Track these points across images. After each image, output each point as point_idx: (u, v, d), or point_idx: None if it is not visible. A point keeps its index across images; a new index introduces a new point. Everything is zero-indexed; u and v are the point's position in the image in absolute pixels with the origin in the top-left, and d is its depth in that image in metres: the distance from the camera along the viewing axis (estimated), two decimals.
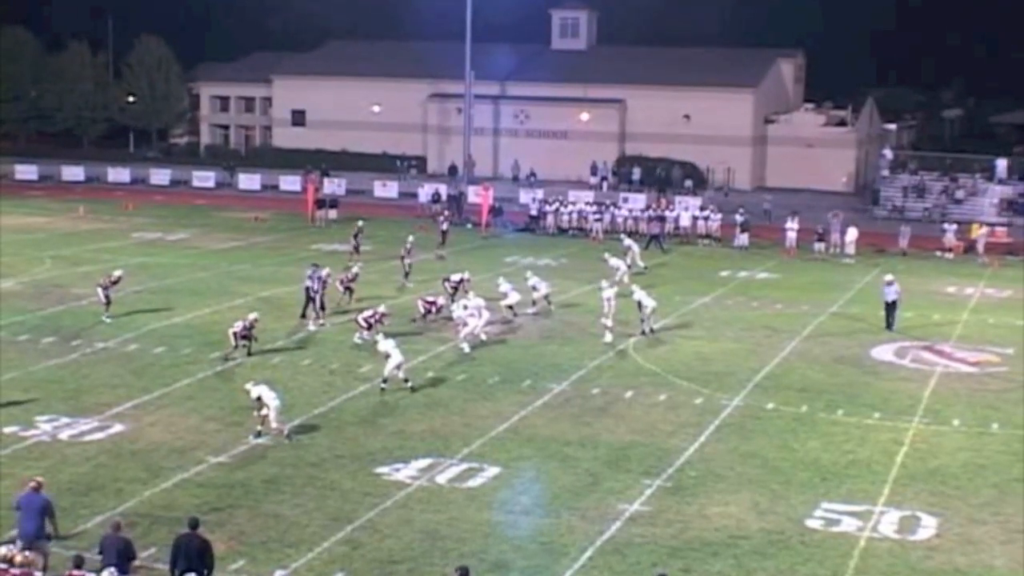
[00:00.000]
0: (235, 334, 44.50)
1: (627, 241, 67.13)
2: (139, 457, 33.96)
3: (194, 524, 24.41)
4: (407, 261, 60.32)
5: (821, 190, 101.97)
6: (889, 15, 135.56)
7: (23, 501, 25.83)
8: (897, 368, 46.39)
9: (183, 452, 34.39)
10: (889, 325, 52.29)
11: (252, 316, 45.60)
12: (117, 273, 51.98)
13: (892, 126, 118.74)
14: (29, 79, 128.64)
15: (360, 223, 69.22)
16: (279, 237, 75.08)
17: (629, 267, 61.55)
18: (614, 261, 59.93)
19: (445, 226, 73.99)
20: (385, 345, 40.98)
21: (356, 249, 64.89)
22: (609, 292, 50.88)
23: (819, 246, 74.39)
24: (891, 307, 52.50)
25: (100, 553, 24.61)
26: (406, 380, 40.98)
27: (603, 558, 27.78)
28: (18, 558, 22.93)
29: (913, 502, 31.71)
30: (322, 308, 51.61)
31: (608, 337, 48.49)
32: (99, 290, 50.04)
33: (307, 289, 51.89)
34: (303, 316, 51.75)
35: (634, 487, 32.32)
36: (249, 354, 44.84)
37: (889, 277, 53.73)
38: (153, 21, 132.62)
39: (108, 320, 49.42)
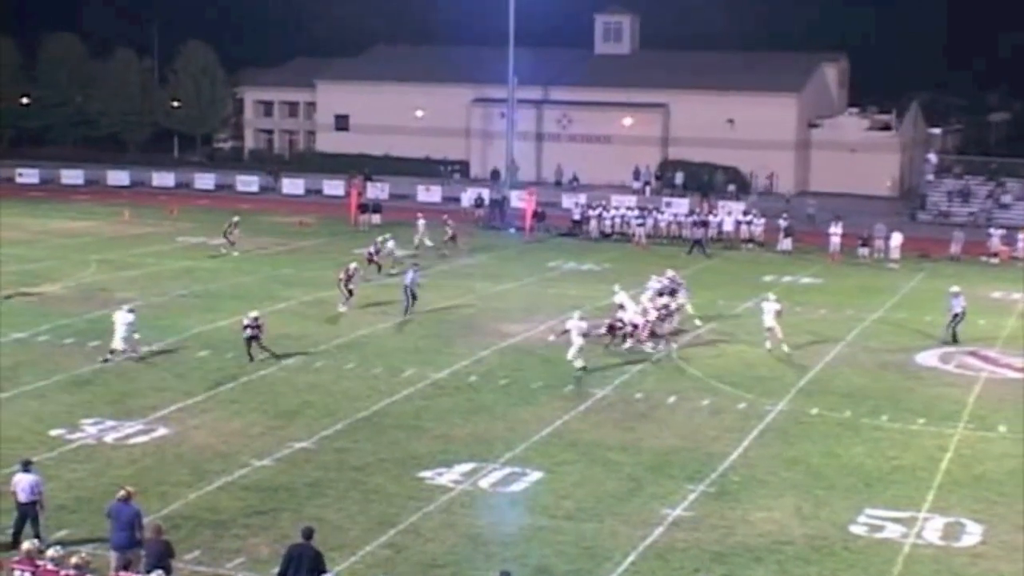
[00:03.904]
0: (246, 339, 44.83)
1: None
2: (183, 460, 34.10)
3: (308, 534, 24.41)
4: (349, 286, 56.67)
5: (865, 195, 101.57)
6: (934, 19, 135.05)
7: (113, 511, 25.96)
8: (942, 373, 46.18)
9: (227, 455, 34.51)
10: (954, 338, 50.95)
11: (253, 314, 45.82)
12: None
13: (937, 130, 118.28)
14: (76, 85, 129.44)
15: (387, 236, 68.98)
16: (323, 241, 75.23)
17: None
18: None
19: (451, 232, 73.72)
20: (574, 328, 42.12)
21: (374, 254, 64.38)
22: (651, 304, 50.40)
23: (863, 251, 74.13)
24: (957, 319, 51.28)
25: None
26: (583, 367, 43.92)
27: (646, 563, 27.74)
28: (73, 559, 23.05)
29: (958, 509, 31.53)
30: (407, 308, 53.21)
31: (648, 347, 48.27)
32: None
33: (406, 288, 53.19)
34: (406, 311, 52.94)
35: (677, 492, 32.26)
36: (251, 354, 44.80)
37: (955, 288, 52.67)
38: (198, 27, 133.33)
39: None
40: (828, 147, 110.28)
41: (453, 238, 73.62)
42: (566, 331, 44.66)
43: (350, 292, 54.91)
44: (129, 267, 64.22)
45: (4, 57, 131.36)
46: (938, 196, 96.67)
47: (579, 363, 43.70)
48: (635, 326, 48.53)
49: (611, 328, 48.41)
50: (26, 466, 28.11)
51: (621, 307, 49.92)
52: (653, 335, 48.39)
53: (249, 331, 44.99)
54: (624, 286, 57.40)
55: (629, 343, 48.18)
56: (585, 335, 43.84)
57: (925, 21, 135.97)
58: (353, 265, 57.07)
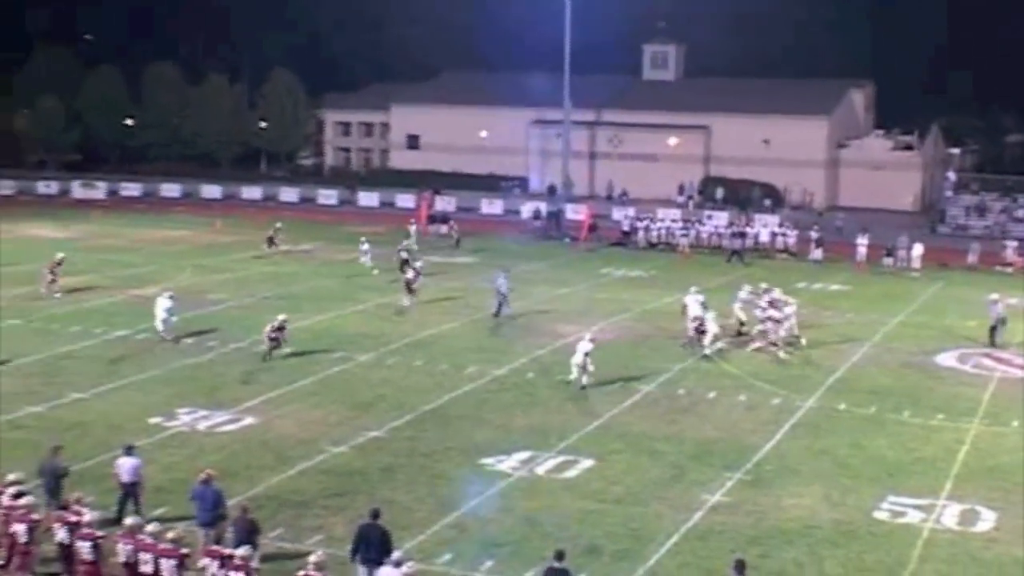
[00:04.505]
0: (268, 336, 44.78)
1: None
2: (268, 447, 34.27)
3: (375, 515, 24.52)
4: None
5: (889, 209, 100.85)
6: (953, 48, 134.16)
7: (197, 493, 26.17)
8: (959, 373, 45.84)
9: (307, 442, 34.65)
10: (994, 342, 50.27)
11: (281, 317, 45.77)
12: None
13: (956, 150, 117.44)
14: (174, 108, 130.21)
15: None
16: (395, 250, 75.43)
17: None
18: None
19: (455, 236, 77.95)
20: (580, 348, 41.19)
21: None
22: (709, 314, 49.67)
23: (888, 260, 73.67)
24: (999, 324, 50.62)
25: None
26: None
27: (687, 544, 27.70)
28: (168, 534, 23.22)
29: (973, 497, 31.34)
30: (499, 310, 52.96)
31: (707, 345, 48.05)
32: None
33: (498, 290, 52.90)
34: (496, 314, 52.77)
35: (716, 479, 32.19)
36: (270, 353, 44.56)
37: (994, 296, 52.03)
38: (284, 56, 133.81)
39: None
40: (855, 165, 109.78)
41: (457, 242, 77.08)
42: (576, 351, 42.01)
43: (412, 291, 55.51)
44: (220, 271, 64.55)
45: (112, 84, 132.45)
46: (956, 210, 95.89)
47: (582, 378, 41.24)
48: (701, 329, 47.95)
49: (698, 331, 48.03)
50: (128, 450, 28.38)
51: (704, 307, 49.08)
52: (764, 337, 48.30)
53: (271, 336, 44.77)
54: (673, 291, 57.53)
55: (756, 344, 48.13)
56: (587, 354, 41.40)
57: (942, 51, 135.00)
58: (419, 264, 58.77)
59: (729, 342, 48.80)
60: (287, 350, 44.98)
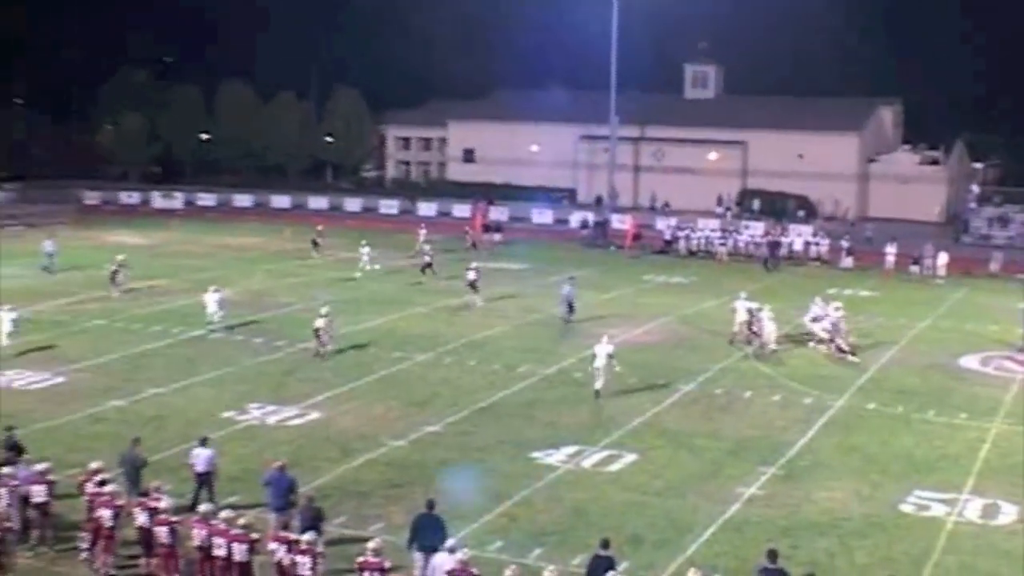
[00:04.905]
0: (315, 330, 45.13)
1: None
2: (332, 440, 34.39)
3: (431, 505, 24.64)
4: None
5: (916, 220, 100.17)
6: (978, 69, 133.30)
7: (271, 479, 26.34)
8: (982, 375, 45.51)
9: (369, 436, 34.75)
10: None
11: (324, 309, 46.39)
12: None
13: (979, 165, 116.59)
14: (246, 123, 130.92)
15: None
16: (452, 256, 75.46)
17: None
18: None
19: (470, 241, 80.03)
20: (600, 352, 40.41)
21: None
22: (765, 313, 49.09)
23: (914, 268, 73.19)
24: None
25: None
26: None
27: (724, 534, 27.63)
28: (240, 520, 23.36)
29: (995, 492, 31.11)
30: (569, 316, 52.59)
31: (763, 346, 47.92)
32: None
33: (565, 298, 52.72)
34: (566, 321, 52.28)
35: (751, 474, 32.09)
36: (322, 348, 45.08)
37: None
38: (349, 74, 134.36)
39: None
40: (884, 179, 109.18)
41: (473, 245, 78.85)
42: (594, 356, 40.54)
43: (476, 289, 56.59)
44: (288, 276, 64.83)
45: (189, 102, 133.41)
46: (980, 221, 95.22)
47: (598, 384, 39.92)
48: (753, 331, 48.38)
49: (751, 331, 48.47)
50: (203, 442, 28.59)
51: (757, 310, 49.07)
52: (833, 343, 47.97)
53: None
54: (711, 296, 57.41)
55: (824, 348, 47.85)
56: (611, 356, 40.46)
57: (968, 72, 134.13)
58: (475, 264, 59.37)
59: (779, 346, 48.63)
60: (330, 347, 45.34)
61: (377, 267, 66.71)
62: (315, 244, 72.68)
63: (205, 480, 27.94)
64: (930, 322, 56.51)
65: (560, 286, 54.70)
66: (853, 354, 47.02)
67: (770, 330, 47.85)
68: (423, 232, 76.42)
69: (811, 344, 48.74)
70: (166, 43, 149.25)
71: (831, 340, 47.84)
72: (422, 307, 56.23)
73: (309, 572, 22.16)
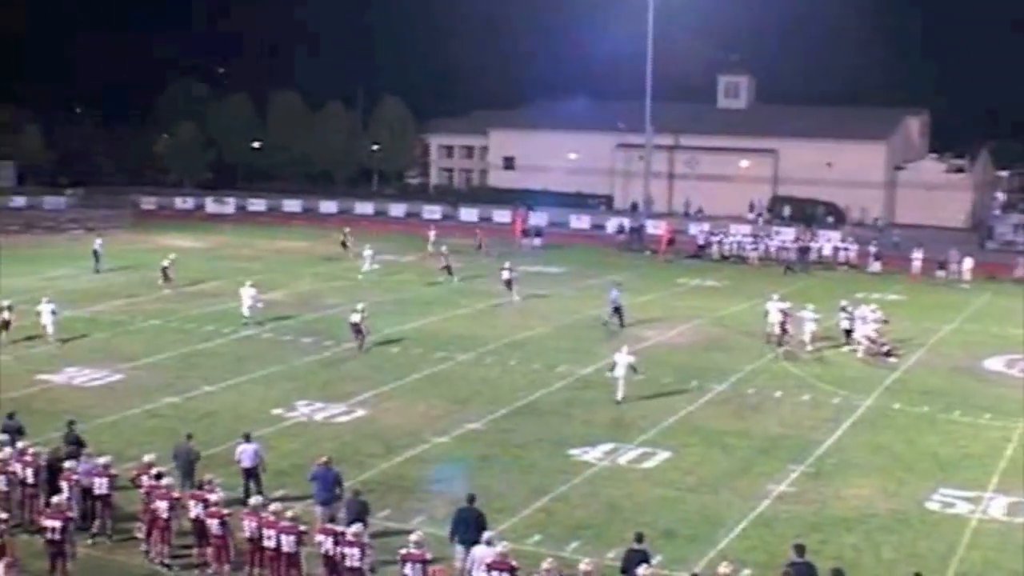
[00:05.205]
0: (352, 324, 46.17)
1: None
2: (377, 436, 34.47)
3: (471, 499, 24.68)
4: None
5: (942, 226, 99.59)
6: (1001, 79, 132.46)
7: (318, 474, 26.44)
8: (1006, 377, 45.16)
9: (412, 433, 34.82)
10: None
11: (360, 305, 47.33)
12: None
13: (1004, 173, 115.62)
14: (295, 132, 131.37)
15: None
16: (492, 260, 75.49)
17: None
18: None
19: (479, 241, 79.62)
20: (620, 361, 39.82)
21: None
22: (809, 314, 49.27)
23: (940, 273, 72.79)
24: None
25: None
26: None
27: (755, 530, 27.56)
28: (288, 513, 23.46)
29: (1019, 490, 30.89)
30: (620, 321, 52.12)
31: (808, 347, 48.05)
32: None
33: (612, 302, 52.49)
34: (621, 325, 51.95)
35: (781, 471, 31.99)
36: (362, 342, 46.08)
37: None
38: (394, 84, 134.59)
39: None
40: (911, 186, 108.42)
41: (480, 246, 78.64)
42: (614, 365, 39.52)
43: (511, 286, 58.01)
44: (336, 279, 64.97)
45: (240, 110, 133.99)
46: (1004, 228, 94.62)
47: (618, 392, 39.02)
48: (786, 331, 48.40)
49: (784, 330, 48.48)
50: (247, 437, 28.73)
51: (783, 313, 49.00)
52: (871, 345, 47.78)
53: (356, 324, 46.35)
54: (743, 299, 57.26)
55: (864, 350, 47.49)
56: (633, 368, 39.36)
57: (992, 81, 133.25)
58: (508, 264, 60.49)
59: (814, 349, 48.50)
60: (369, 339, 46.25)
61: (376, 267, 66.99)
62: (344, 245, 72.72)
63: (252, 474, 28.08)
64: (955, 325, 56.14)
65: (608, 290, 54.49)
66: (893, 355, 47.01)
67: (810, 329, 48.23)
68: (433, 234, 77.95)
69: (850, 348, 48.32)
70: (220, 55, 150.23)
71: (873, 341, 47.63)
72: (464, 309, 56.30)
73: (358, 563, 22.25)
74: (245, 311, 50.87)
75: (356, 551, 22.25)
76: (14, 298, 49.26)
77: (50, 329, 46.21)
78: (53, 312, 46.60)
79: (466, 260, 71.07)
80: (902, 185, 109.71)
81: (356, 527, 22.92)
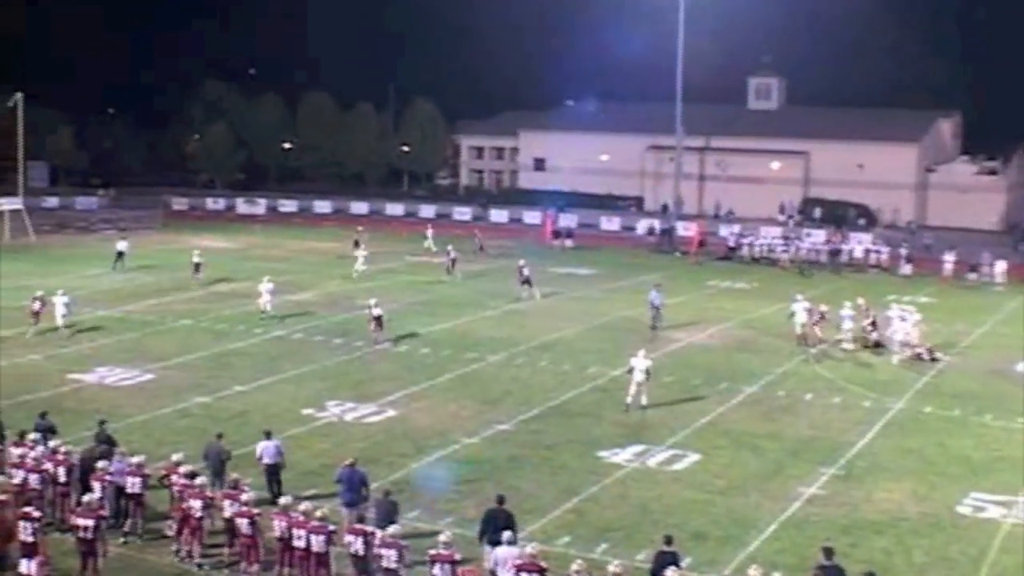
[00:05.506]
0: (375, 318, 47.34)
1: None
2: (407, 437, 34.51)
3: (500, 500, 24.67)
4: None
5: (974, 228, 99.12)
6: None
7: (343, 476, 26.46)
8: None
9: (442, 434, 34.85)
10: None
11: (373, 300, 48.77)
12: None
13: None
14: (326, 133, 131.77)
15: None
16: (490, 259, 75.42)
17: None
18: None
19: (479, 243, 79.73)
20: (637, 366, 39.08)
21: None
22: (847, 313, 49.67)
23: (972, 275, 72.49)
24: None
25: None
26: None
27: (785, 532, 27.46)
28: (317, 513, 23.49)
29: None
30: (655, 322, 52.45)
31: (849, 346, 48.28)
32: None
33: (652, 304, 52.44)
34: (653, 327, 52.00)
35: (812, 474, 31.87)
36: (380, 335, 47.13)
37: None
38: (424, 86, 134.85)
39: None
40: (943, 188, 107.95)
41: (481, 247, 78.81)
42: (631, 369, 38.44)
43: (531, 284, 59.29)
44: (366, 280, 65.04)
45: (272, 111, 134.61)
46: None
47: (641, 398, 37.93)
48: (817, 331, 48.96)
49: (817, 324, 48.98)
50: (268, 435, 28.80)
51: (809, 313, 49.40)
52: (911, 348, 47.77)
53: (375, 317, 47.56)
54: (773, 301, 57.06)
55: (905, 355, 47.36)
56: (648, 372, 38.39)
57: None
58: (523, 262, 61.28)
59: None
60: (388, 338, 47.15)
61: (364, 268, 66.91)
62: (356, 244, 72.72)
63: (273, 471, 28.18)
64: (988, 328, 55.82)
65: (648, 292, 54.34)
66: (935, 356, 47.04)
67: (848, 328, 48.70)
68: (430, 233, 79.33)
69: (893, 353, 48.08)
70: (251, 56, 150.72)
71: (916, 345, 47.44)
72: (493, 310, 56.30)
73: (395, 564, 22.26)
74: (263, 306, 51.99)
75: (393, 552, 22.27)
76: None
77: (60, 320, 47.78)
78: (66, 304, 48.22)
79: (466, 260, 70.95)
80: (934, 187, 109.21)
81: (394, 528, 22.96)
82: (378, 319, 47.24)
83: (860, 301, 52.15)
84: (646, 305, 53.62)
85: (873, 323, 49.37)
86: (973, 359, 48.21)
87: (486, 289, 62.79)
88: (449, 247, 69.24)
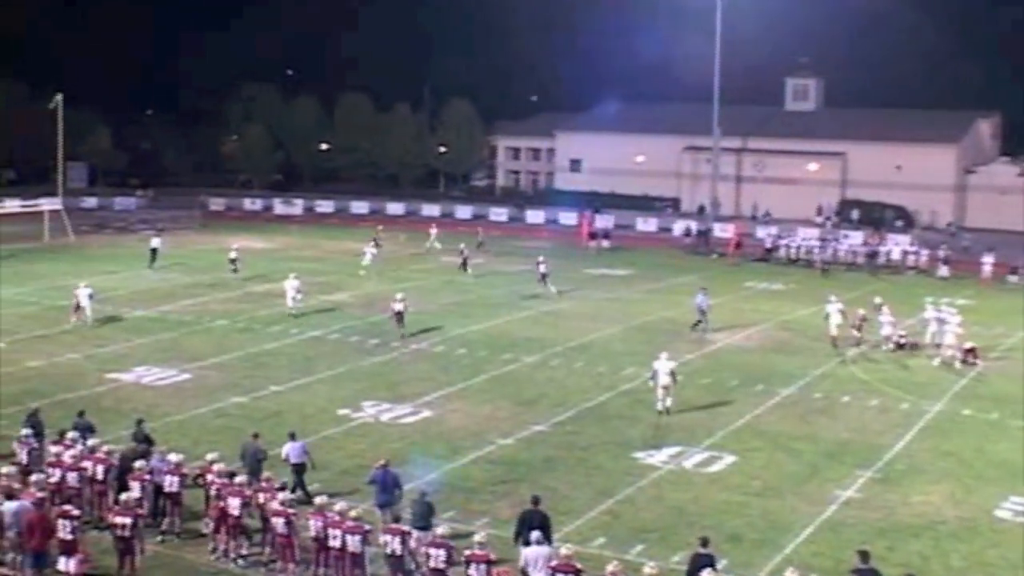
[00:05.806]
0: (396, 313, 48.49)
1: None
2: (442, 437, 34.59)
3: (536, 501, 24.73)
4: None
5: (1014, 230, 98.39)
6: None
7: (377, 477, 26.51)
8: None
9: (478, 435, 34.91)
10: None
11: (399, 295, 49.73)
12: None
13: None
14: (363, 134, 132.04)
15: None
16: (559, 263, 75.32)
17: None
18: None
19: (480, 239, 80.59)
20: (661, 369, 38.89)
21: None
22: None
23: (1012, 278, 72.00)
24: None
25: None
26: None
27: (821, 535, 27.38)
28: (352, 512, 23.58)
29: None
30: (698, 324, 52.24)
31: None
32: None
33: (699, 307, 52.32)
34: (693, 328, 51.96)
35: (848, 476, 31.75)
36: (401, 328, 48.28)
37: None
38: (461, 87, 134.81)
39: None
40: (982, 190, 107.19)
41: (481, 244, 79.62)
42: (655, 373, 38.05)
43: (546, 280, 60.51)
44: (403, 280, 65.05)
45: (308, 112, 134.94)
46: None
47: (667, 400, 37.74)
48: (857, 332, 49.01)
49: (860, 327, 48.89)
50: (292, 436, 28.98)
51: (843, 315, 49.30)
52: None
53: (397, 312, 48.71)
54: (810, 303, 56.88)
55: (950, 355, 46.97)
56: (674, 375, 38.02)
57: None
58: (541, 258, 62.07)
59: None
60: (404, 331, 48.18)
61: (369, 263, 67.68)
62: (376, 244, 72.64)
63: (299, 470, 28.32)
64: None
65: (694, 295, 54.08)
66: (977, 357, 46.88)
67: (887, 332, 48.81)
68: (434, 231, 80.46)
69: (932, 355, 47.81)
70: (288, 57, 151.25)
71: (958, 348, 47.15)
72: (528, 311, 56.30)
73: (443, 564, 22.31)
74: (289, 303, 52.92)
75: (443, 552, 22.33)
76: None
77: (88, 312, 50.27)
78: (90, 296, 50.62)
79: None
80: (973, 188, 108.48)
81: (442, 528, 23.05)
82: (399, 314, 48.26)
83: (877, 300, 52.19)
84: (684, 307, 53.47)
85: (864, 320, 49.42)
86: (1013, 362, 47.86)
87: (520, 290, 62.61)
88: (461, 245, 69.56)
